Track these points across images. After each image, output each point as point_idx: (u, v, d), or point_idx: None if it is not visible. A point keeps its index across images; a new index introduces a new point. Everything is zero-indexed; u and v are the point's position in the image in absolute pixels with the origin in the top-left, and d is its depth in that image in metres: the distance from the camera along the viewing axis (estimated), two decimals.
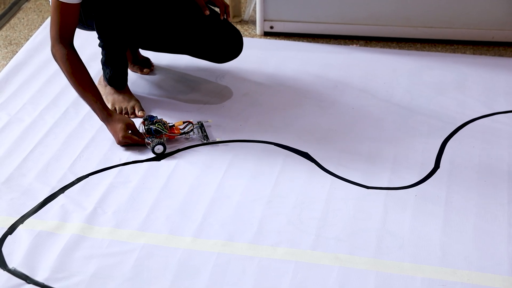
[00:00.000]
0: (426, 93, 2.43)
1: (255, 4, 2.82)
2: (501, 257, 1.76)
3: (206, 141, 2.14)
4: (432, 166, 2.08)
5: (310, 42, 2.76)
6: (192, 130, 2.17)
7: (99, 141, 2.17)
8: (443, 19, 2.71)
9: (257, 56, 2.64)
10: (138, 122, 2.18)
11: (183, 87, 2.46)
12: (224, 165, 2.08)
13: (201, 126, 2.20)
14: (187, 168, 2.07)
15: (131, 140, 2.11)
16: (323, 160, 2.10)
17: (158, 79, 2.49)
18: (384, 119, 2.30)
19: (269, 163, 2.09)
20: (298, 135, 2.21)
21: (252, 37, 2.81)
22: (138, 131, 2.14)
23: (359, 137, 2.21)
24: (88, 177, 2.04)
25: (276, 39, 2.79)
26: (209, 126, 2.22)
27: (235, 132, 2.22)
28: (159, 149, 2.08)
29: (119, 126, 2.10)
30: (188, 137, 2.16)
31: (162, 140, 2.09)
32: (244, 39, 2.43)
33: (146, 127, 2.13)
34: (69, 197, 1.96)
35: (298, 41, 2.77)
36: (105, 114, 2.12)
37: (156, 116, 2.18)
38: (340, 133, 2.23)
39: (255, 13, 2.81)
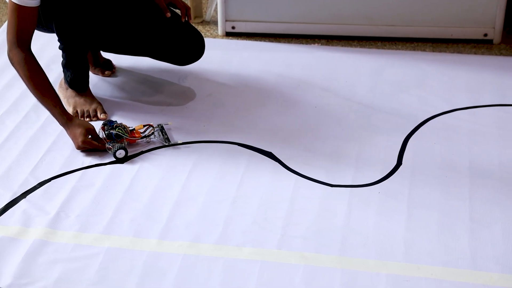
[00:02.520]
0: (388, 91, 2.45)
1: (217, 4, 2.82)
2: (463, 252, 1.79)
3: (168, 143, 2.13)
4: (394, 163, 2.10)
5: (272, 42, 2.77)
6: (153, 133, 2.16)
7: (60, 144, 2.15)
8: (403, 17, 2.74)
9: (220, 56, 2.64)
10: (98, 127, 2.16)
11: (146, 88, 2.44)
12: (188, 166, 2.07)
13: (161, 129, 2.18)
14: (151, 170, 2.06)
15: (90, 145, 2.08)
16: (287, 160, 2.11)
17: (120, 81, 2.48)
18: (347, 117, 2.31)
19: (233, 163, 2.09)
20: (262, 135, 2.21)
21: (214, 37, 2.81)
22: (98, 136, 2.11)
23: (322, 135, 2.22)
24: (50, 181, 2.01)
25: (238, 39, 2.79)
26: (169, 128, 2.21)
27: (198, 133, 2.22)
28: (120, 153, 2.07)
29: (79, 131, 2.08)
30: (149, 140, 2.15)
31: (123, 145, 2.07)
32: (206, 40, 2.42)
33: (106, 132, 2.11)
34: (31, 202, 1.93)
35: (260, 41, 2.77)
36: (65, 119, 2.09)
37: (116, 121, 2.15)
38: (303, 132, 2.24)
39: (217, 13, 2.81)
